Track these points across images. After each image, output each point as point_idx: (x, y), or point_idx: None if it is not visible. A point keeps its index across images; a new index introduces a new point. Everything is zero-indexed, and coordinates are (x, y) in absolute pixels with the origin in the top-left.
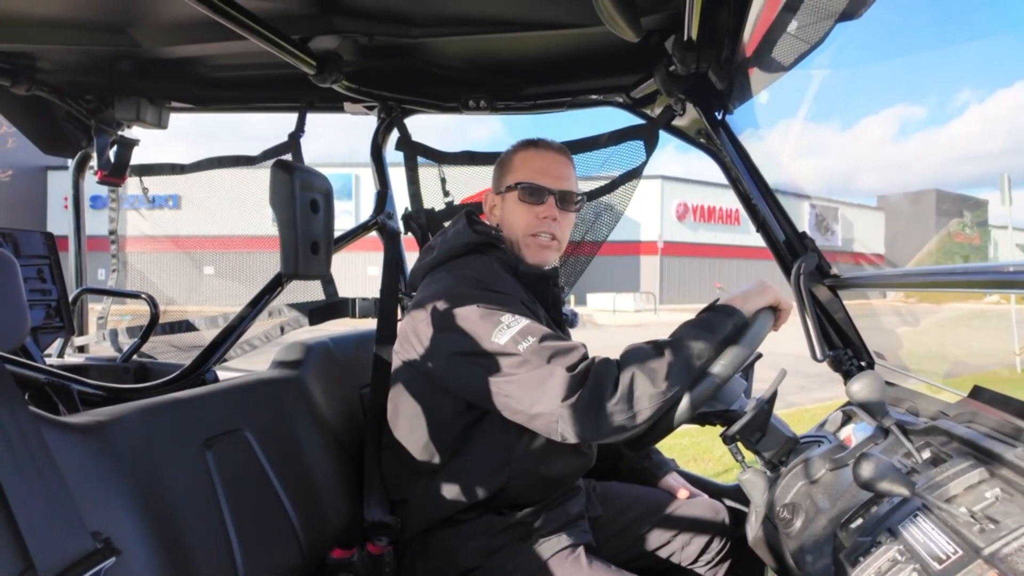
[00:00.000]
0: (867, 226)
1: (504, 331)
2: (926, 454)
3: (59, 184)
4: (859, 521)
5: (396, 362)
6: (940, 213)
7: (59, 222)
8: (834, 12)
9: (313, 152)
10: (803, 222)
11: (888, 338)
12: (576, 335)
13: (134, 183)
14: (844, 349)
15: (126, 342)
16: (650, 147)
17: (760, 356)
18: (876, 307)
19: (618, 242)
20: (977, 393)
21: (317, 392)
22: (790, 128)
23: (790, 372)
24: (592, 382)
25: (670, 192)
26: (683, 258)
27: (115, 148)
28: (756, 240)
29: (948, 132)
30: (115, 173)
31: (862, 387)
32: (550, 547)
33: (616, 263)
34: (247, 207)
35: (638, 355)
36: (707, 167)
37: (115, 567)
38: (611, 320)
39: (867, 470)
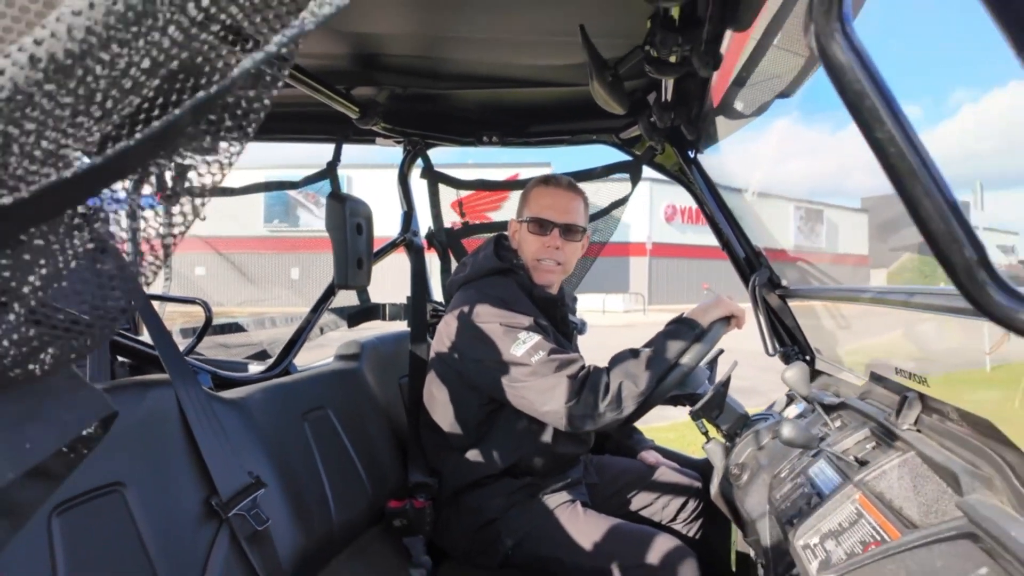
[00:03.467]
0: (851, 227)
1: (520, 345)
2: (837, 423)
3: None
4: (785, 471)
5: (433, 358)
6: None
7: None
8: (775, 89)
9: (307, 152)
10: (788, 224)
11: (860, 338)
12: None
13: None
14: (792, 345)
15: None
16: (635, 179)
17: (722, 351)
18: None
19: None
20: (876, 379)
21: (371, 380)
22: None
23: (756, 367)
24: (588, 387)
25: (659, 194)
26: (671, 259)
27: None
28: None
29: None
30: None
31: (792, 374)
32: (554, 501)
33: (605, 264)
34: (231, 208)
35: (623, 363)
36: None
37: (262, 496)
38: (601, 320)
39: (785, 431)
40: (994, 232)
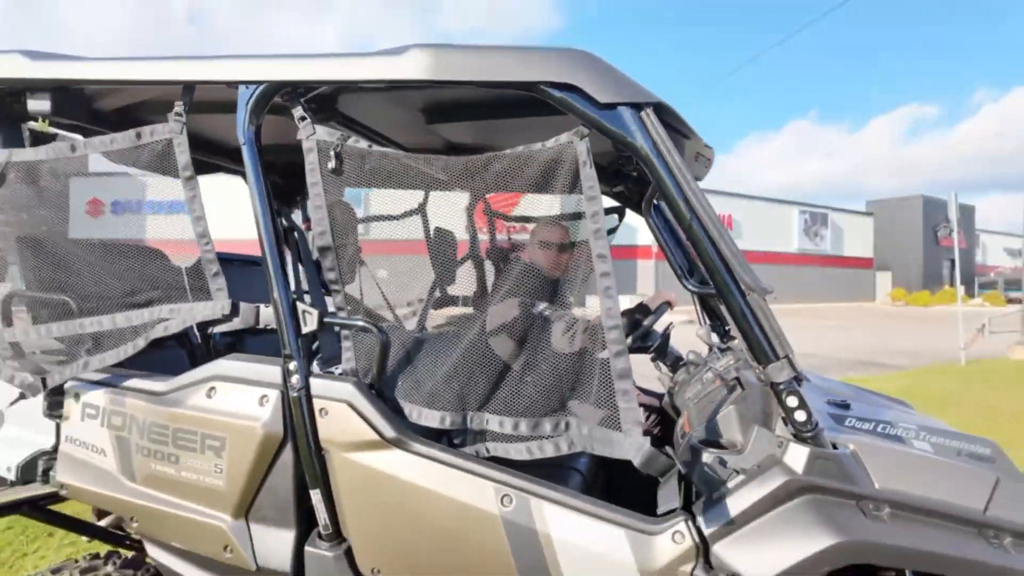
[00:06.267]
0: (857, 230)
1: None
2: (726, 355)
3: (77, 188)
4: (693, 380)
5: None
6: (927, 218)
7: (79, 223)
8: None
9: None
10: (792, 228)
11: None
12: None
13: (155, 190)
14: (716, 321)
15: None
16: (620, 218)
17: (671, 323)
18: (872, 309)
19: (615, 246)
20: None
21: None
22: None
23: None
24: None
25: None
26: None
27: None
28: (747, 245)
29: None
30: None
31: (702, 332)
32: None
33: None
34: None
35: None
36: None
37: None
38: None
39: (689, 356)
40: (1002, 235)
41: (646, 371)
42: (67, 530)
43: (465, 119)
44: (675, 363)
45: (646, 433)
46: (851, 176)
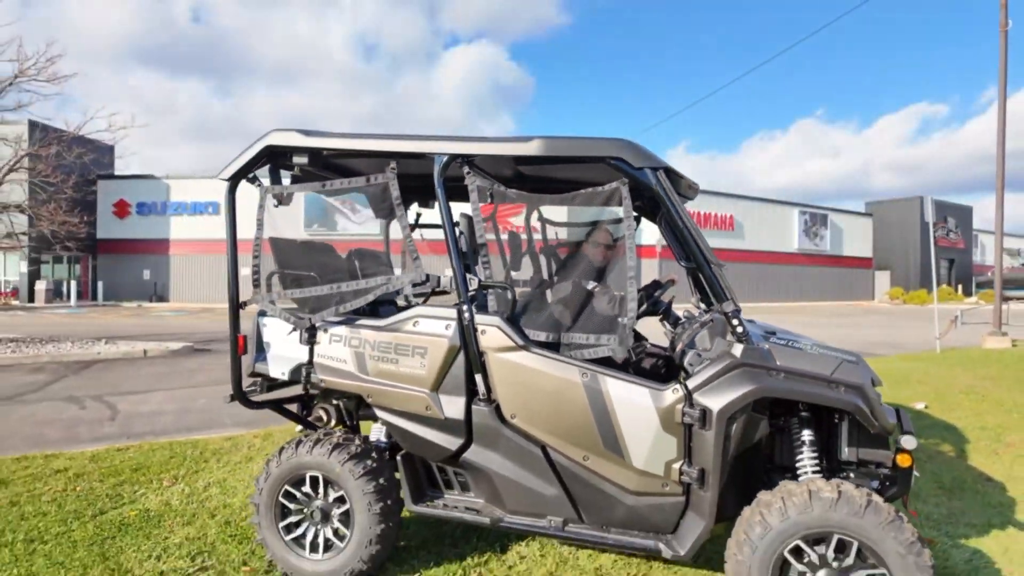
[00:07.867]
0: (856, 231)
1: None
2: (708, 314)
3: (105, 190)
4: (687, 330)
5: None
6: (924, 218)
7: (106, 223)
8: (689, 196)
9: None
10: (793, 228)
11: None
12: None
13: (179, 191)
14: (703, 294)
15: None
16: (637, 223)
17: (673, 295)
18: (870, 307)
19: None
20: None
21: None
22: None
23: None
24: None
25: None
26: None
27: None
28: (748, 245)
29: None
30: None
31: (695, 300)
32: None
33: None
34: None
35: None
36: (704, 177)
37: None
38: None
39: (681, 313)
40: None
41: (656, 330)
42: (291, 420)
43: (537, 163)
44: (676, 322)
45: (655, 371)
46: (856, 176)
